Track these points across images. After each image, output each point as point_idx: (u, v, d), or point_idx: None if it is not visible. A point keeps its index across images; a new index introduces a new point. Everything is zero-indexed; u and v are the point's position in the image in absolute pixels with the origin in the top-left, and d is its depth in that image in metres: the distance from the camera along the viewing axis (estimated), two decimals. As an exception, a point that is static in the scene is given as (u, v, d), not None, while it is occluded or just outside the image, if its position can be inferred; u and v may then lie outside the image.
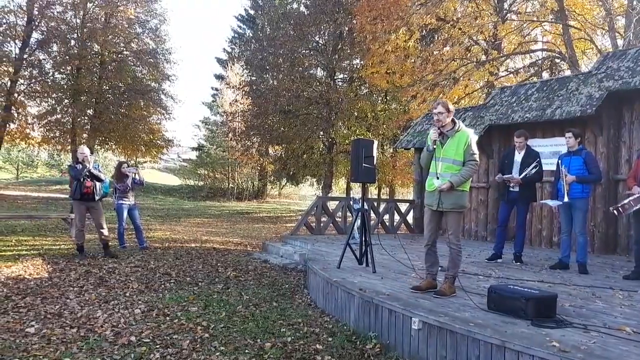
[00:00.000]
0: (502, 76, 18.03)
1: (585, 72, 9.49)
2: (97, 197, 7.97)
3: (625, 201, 5.85)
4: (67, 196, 27.02)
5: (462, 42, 17.01)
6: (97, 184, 7.93)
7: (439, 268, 6.12)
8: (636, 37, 12.74)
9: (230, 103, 29.41)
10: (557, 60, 17.40)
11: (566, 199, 6.36)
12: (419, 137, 11.36)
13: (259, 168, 35.81)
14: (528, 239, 9.20)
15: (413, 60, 17.67)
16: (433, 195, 4.80)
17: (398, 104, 22.82)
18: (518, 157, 7.07)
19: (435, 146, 4.78)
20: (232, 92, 33.09)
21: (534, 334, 3.52)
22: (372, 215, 10.45)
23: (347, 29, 21.94)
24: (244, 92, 25.84)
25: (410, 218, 11.70)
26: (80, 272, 6.85)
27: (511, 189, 7.06)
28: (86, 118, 24.35)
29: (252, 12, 37.79)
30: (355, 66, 23.25)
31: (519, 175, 6.94)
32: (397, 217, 11.60)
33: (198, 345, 4.15)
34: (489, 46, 16.79)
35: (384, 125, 21.58)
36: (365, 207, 6.47)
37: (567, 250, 6.66)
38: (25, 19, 22.97)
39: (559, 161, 6.61)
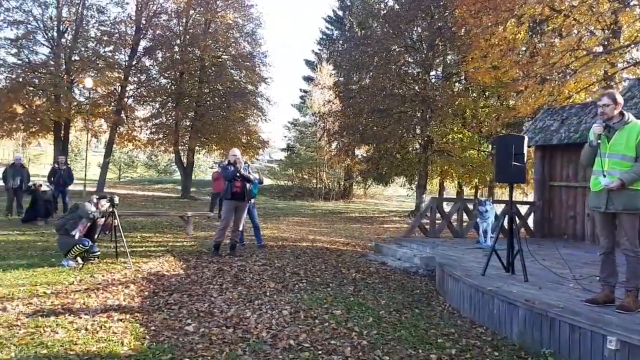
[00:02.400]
0: (623, 68, 16.44)
1: None
2: (246, 197, 8.16)
3: None
4: (172, 195, 28.65)
5: (579, 32, 15.70)
6: (247, 184, 8.11)
7: (597, 279, 5.58)
8: None
9: (323, 104, 29.54)
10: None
11: None
12: (542, 133, 10.57)
13: (346, 168, 35.74)
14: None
15: (520, 54, 16.63)
16: (600, 196, 4.29)
17: (498, 100, 21.69)
18: None
19: (599, 141, 4.28)
20: (320, 93, 33.36)
21: None
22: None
23: (445, 24, 21.18)
24: (336, 93, 25.82)
25: (530, 221, 10.92)
26: (213, 269, 6.96)
27: None
28: (188, 120, 25.50)
29: (340, 12, 37.82)
30: (452, 62, 22.40)
31: None
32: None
33: (360, 354, 3.95)
34: (608, 36, 15.37)
35: (485, 122, 20.56)
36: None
37: None
38: (134, 28, 24.48)
39: None
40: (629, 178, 4.10)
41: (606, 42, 15.33)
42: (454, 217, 10.30)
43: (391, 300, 5.81)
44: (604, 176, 4.22)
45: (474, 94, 22.37)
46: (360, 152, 32.92)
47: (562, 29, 16.28)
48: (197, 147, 26.52)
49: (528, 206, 10.98)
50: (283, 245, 9.87)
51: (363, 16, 28.77)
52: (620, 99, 4.27)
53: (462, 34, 19.05)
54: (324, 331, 4.45)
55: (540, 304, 4.31)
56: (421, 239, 9.62)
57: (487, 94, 21.14)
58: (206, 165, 43.51)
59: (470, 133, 21.39)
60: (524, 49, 17.55)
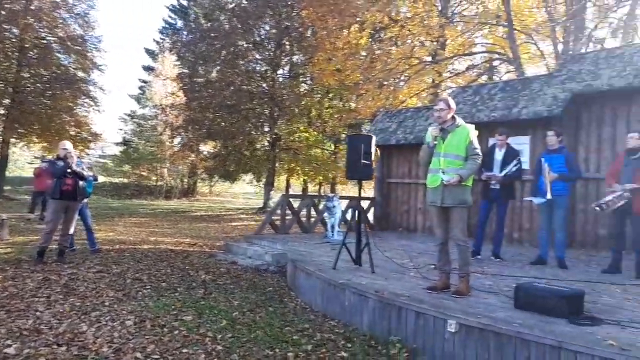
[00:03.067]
0: (447, 77, 18.51)
1: (547, 74, 9.87)
2: (78, 197, 7.21)
3: (609, 198, 6.06)
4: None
5: (412, 42, 17.23)
6: (80, 182, 7.17)
7: (432, 267, 6.10)
8: (576, 42, 13.55)
9: (165, 96, 28.01)
10: (496, 63, 18.17)
11: (549, 196, 6.49)
12: (382, 134, 11.32)
13: (190, 164, 34.46)
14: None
15: (361, 59, 17.68)
16: (437, 192, 4.66)
17: (341, 101, 22.78)
18: (499, 155, 7.15)
19: (436, 142, 4.67)
20: (163, 84, 31.65)
21: (582, 333, 3.46)
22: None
23: (292, 24, 21.59)
24: (180, 85, 24.72)
25: (370, 215, 11.64)
26: (38, 279, 6.04)
27: (492, 187, 7.14)
28: (2, 108, 22.13)
29: (184, 2, 36.34)
30: (299, 62, 22.96)
31: (500, 173, 7.02)
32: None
33: (216, 360, 3.72)
34: (436, 47, 17.15)
35: (329, 122, 21.48)
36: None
37: (547, 246, 6.82)
38: None
39: (542, 159, 6.74)
40: (465, 174, 4.50)
41: (435, 53, 17.05)
42: (303, 213, 10.48)
43: (244, 301, 5.63)
44: (443, 173, 4.57)
45: (319, 95, 23.21)
46: (206, 148, 32.01)
47: (398, 38, 17.72)
48: (13, 139, 23.15)
49: (369, 202, 11.67)
50: (121, 249, 9.05)
51: (209, 8, 27.97)
52: (453, 105, 4.68)
53: (309, 35, 19.57)
54: (175, 339, 4.11)
55: (389, 294, 4.52)
56: (272, 236, 9.59)
57: (330, 95, 22.09)
58: (24, 160, 38.27)
59: (315, 132, 22.14)
60: (364, 54, 18.66)
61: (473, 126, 4.70)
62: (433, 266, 6.16)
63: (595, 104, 8.60)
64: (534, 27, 15.81)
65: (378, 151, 6.07)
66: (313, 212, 10.56)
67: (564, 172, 6.54)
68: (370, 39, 18.70)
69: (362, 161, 5.74)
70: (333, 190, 25.20)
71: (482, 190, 7.33)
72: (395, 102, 17.32)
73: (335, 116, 21.18)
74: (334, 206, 8.41)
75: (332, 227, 8.50)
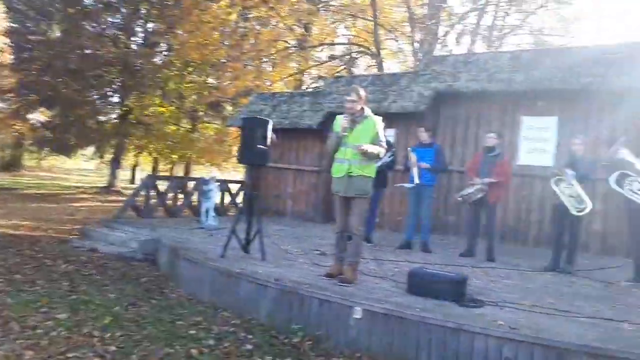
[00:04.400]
0: (313, 65, 18.87)
1: (413, 72, 10.63)
2: None
3: (470, 190, 6.79)
4: None
5: (280, 25, 17.17)
6: None
7: (317, 252, 6.23)
8: (431, 44, 14.84)
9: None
10: (357, 56, 19.06)
11: (417, 181, 6.98)
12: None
13: (16, 134, 30.09)
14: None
15: (230, 36, 17.13)
16: (342, 181, 4.74)
17: (201, 77, 21.83)
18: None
19: (345, 133, 4.74)
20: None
21: (473, 315, 3.83)
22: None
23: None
24: (10, 42, 21.33)
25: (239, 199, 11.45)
26: None
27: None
28: None
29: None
30: (157, 30, 21.32)
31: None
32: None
33: (113, 363, 3.33)
34: (304, 34, 17.37)
35: (189, 98, 20.49)
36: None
37: (413, 231, 7.40)
38: None
39: (412, 151, 7.24)
40: (371, 148, 4.55)
41: (302, 39, 17.24)
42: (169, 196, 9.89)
43: (121, 294, 5.13)
44: (348, 165, 4.62)
45: (177, 69, 21.89)
46: (35, 116, 28.21)
47: (268, 20, 17.52)
48: None
49: (239, 185, 11.46)
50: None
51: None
52: (363, 95, 4.76)
53: (172, 3, 18.30)
54: (55, 343, 3.57)
55: (291, 282, 4.50)
56: (135, 220, 8.87)
57: (190, 69, 20.97)
58: None
59: (172, 107, 20.93)
60: (230, 31, 18.07)
61: (380, 118, 4.84)
62: (318, 252, 6.30)
63: (453, 103, 9.52)
64: (396, 24, 16.87)
65: (274, 136, 5.93)
66: (181, 195, 10.03)
67: (434, 164, 7.14)
68: (241, 16, 18.18)
69: (259, 146, 5.57)
70: (188, 170, 24.23)
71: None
72: (262, 85, 17.17)
73: (197, 92, 20.24)
74: (210, 190, 8.06)
75: (207, 211, 8.15)
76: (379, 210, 8.38)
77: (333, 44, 19.21)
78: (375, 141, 4.65)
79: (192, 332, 4.13)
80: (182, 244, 6.43)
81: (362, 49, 17.52)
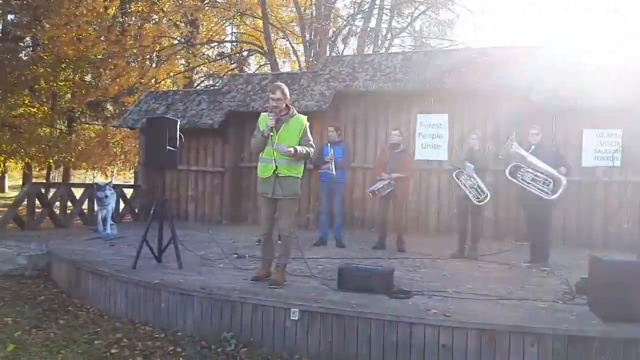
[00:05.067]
0: (202, 63, 18.23)
1: (313, 71, 10.70)
2: None
3: (380, 185, 7.03)
4: None
5: (163, 21, 16.36)
6: None
7: (236, 256, 6.04)
8: (322, 44, 15.12)
9: None
10: (248, 55, 18.82)
11: (334, 172, 7.00)
12: (148, 115, 10.45)
13: None
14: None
15: (109, 31, 15.92)
16: (269, 182, 4.59)
17: (75, 74, 20.03)
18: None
19: (271, 132, 4.61)
20: None
21: (406, 305, 3.95)
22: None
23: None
24: None
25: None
26: None
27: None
28: None
29: None
30: (21, 23, 19.10)
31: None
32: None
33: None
34: (191, 30, 16.73)
35: (64, 98, 18.68)
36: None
37: (326, 227, 7.48)
38: None
39: (329, 148, 7.25)
40: (300, 149, 4.47)
41: (189, 36, 16.59)
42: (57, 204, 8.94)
43: (20, 316, 4.56)
44: (276, 165, 4.49)
45: (47, 65, 19.83)
46: None
47: (150, 14, 16.59)
48: None
49: (134, 189, 10.73)
50: None
51: None
52: (288, 93, 4.65)
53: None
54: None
55: (219, 290, 4.29)
56: (18, 233, 7.91)
57: (64, 66, 19.08)
58: None
59: (44, 108, 18.93)
60: (108, 25, 16.83)
61: (306, 117, 4.78)
62: (236, 255, 6.10)
63: (352, 102, 9.78)
64: (285, 24, 16.94)
65: (182, 137, 5.60)
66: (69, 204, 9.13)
67: (342, 162, 7.28)
68: (121, 10, 16.97)
69: (168, 147, 5.23)
70: (67, 174, 22.15)
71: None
72: (149, 83, 16.24)
73: (74, 91, 18.48)
74: (106, 196, 7.40)
75: (105, 220, 7.49)
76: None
77: (222, 42, 18.78)
78: (302, 141, 4.58)
79: (114, 350, 3.79)
80: (83, 256, 5.85)
81: (253, 47, 17.32)
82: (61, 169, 22.99)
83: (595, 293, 3.90)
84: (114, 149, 19.66)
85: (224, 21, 18.06)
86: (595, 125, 8.19)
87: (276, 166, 4.49)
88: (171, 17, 16.55)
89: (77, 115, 20.98)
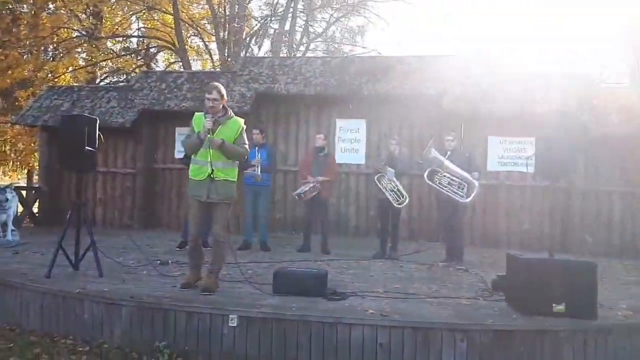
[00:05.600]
0: (109, 58, 17.14)
1: (232, 71, 10.50)
2: None
3: (306, 188, 7.09)
4: None
5: (63, 11, 15.18)
6: None
7: (158, 262, 5.78)
8: (235, 44, 14.91)
9: None
10: (155, 51, 18.03)
11: (259, 173, 6.94)
12: (50, 113, 9.68)
13: None
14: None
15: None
16: (202, 186, 4.42)
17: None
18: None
19: (208, 134, 4.45)
20: None
21: (344, 307, 4.04)
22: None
23: None
24: None
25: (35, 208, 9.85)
26: None
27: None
28: None
29: None
30: None
31: None
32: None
33: None
34: (95, 22, 15.68)
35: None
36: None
37: (252, 231, 7.40)
38: None
39: (256, 151, 7.15)
40: (229, 145, 4.33)
41: (93, 28, 15.54)
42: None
43: None
44: (212, 168, 4.35)
45: None
46: None
47: (47, 3, 15.33)
48: None
49: (33, 192, 9.84)
50: None
51: None
52: (225, 94, 4.52)
53: None
54: None
55: (148, 298, 4.09)
56: None
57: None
58: None
59: None
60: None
61: (243, 120, 4.68)
62: (159, 262, 5.83)
63: (272, 104, 9.76)
64: (197, 21, 16.46)
65: (102, 137, 5.25)
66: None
67: (267, 165, 7.24)
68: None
69: (87, 148, 4.87)
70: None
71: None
72: (46, 77, 14.98)
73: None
74: (6, 199, 6.71)
75: (4, 225, 6.79)
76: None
77: (130, 37, 17.82)
78: (238, 143, 4.49)
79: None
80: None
81: (162, 43, 16.61)
82: None
83: (512, 289, 4.25)
84: (3, 148, 17.90)
85: (131, 15, 17.13)
86: (501, 133, 8.86)
87: (212, 169, 4.36)
88: (72, 8, 15.37)
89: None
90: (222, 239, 4.55)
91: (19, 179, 21.93)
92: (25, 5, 15.89)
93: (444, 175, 6.43)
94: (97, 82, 16.72)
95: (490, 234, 8.85)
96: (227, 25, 15.61)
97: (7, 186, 7.07)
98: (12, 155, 18.06)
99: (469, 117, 8.71)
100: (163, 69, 17.75)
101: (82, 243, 5.06)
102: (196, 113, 4.62)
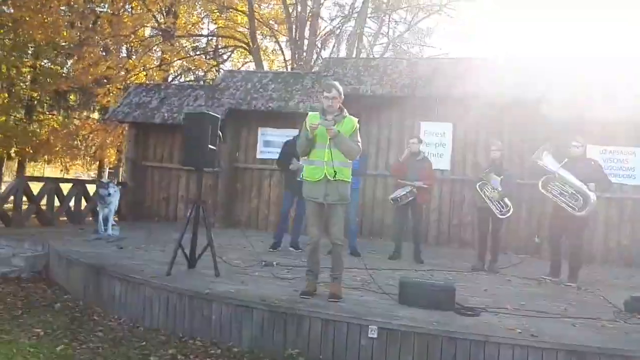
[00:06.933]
0: (183, 58, 17.45)
1: (315, 72, 10.47)
2: None
3: (403, 193, 6.88)
4: None
5: (143, 10, 15.59)
6: None
7: (264, 264, 5.72)
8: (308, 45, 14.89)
9: None
10: (227, 51, 18.27)
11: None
12: (140, 110, 9.91)
13: None
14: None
15: (83, 16, 15.02)
16: (319, 187, 4.29)
17: (38, 60, 18.81)
18: None
19: (314, 133, 4.30)
20: None
21: (482, 324, 3.80)
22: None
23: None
24: None
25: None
26: None
27: (299, 179, 7.09)
28: None
29: None
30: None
31: None
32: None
33: None
34: (170, 21, 16.04)
35: (25, 86, 17.44)
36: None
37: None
38: None
39: None
40: (345, 139, 4.22)
41: (171, 27, 15.90)
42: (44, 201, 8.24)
43: (49, 328, 4.06)
44: (334, 170, 4.22)
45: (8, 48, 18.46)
46: None
47: (127, 3, 15.80)
48: None
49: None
50: None
51: None
52: (342, 92, 4.41)
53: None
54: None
55: (281, 302, 4.00)
56: (4, 230, 7.21)
57: (30, 52, 17.85)
58: None
59: (4, 94, 17.60)
60: (81, 10, 15.89)
61: (357, 119, 4.56)
62: (264, 263, 5.78)
63: (355, 106, 9.55)
64: (267, 21, 16.56)
65: (222, 135, 5.25)
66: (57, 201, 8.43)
67: (357, 168, 7.05)
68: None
69: (210, 146, 4.86)
70: (22, 167, 20.66)
71: (286, 182, 7.25)
72: (127, 75, 15.43)
73: (35, 78, 17.28)
74: (109, 194, 6.84)
75: (106, 220, 6.92)
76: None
77: (205, 36, 18.14)
78: (352, 141, 4.33)
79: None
80: (97, 260, 5.34)
81: (237, 43, 16.79)
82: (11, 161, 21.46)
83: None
84: (77, 142, 18.56)
85: (205, 14, 17.43)
86: (603, 142, 8.36)
87: (334, 171, 4.21)
88: (150, 8, 15.77)
89: (35, 103, 19.71)
90: (341, 242, 4.43)
91: (89, 174, 22.74)
92: (106, 5, 16.45)
93: (556, 184, 6.08)
94: (169, 81, 17.10)
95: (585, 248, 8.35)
96: (298, 25, 15.56)
97: (110, 181, 7.22)
98: (86, 150, 18.68)
99: (569, 124, 8.25)
100: (236, 68, 17.90)
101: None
102: (310, 112, 4.53)
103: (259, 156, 9.90)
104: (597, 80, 8.61)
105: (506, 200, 6.49)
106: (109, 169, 20.51)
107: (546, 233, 6.88)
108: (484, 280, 5.86)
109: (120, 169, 18.46)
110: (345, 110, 4.48)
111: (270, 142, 9.85)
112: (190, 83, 14.05)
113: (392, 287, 4.62)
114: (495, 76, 9.05)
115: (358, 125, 4.51)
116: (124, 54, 17.78)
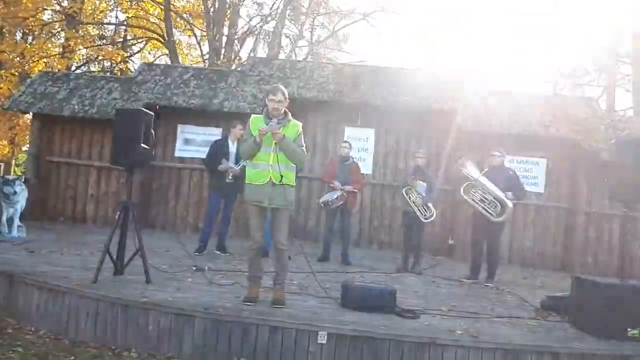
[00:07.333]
0: (90, 46, 16.20)
1: (239, 70, 10.21)
2: None
3: (334, 197, 6.94)
4: None
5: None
6: None
7: (195, 268, 5.49)
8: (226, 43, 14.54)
9: None
10: (137, 42, 17.31)
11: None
12: (46, 100, 9.05)
13: None
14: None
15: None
16: (263, 190, 4.20)
17: None
18: (233, 147, 6.97)
19: (261, 138, 4.21)
20: None
21: (424, 326, 3.93)
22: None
23: None
24: None
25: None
26: None
27: (227, 180, 6.88)
28: None
29: None
30: None
31: (237, 165, 6.86)
32: None
33: None
34: (76, 6, 14.83)
35: None
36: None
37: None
38: None
39: None
40: (289, 142, 4.16)
41: (75, 13, 14.70)
42: None
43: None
44: (280, 174, 4.14)
45: None
46: None
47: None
48: None
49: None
50: None
51: None
52: (288, 96, 4.34)
53: None
54: None
55: (224, 310, 3.84)
56: None
57: None
58: None
59: None
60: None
61: (301, 123, 4.50)
62: (195, 268, 5.52)
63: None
64: (181, 14, 15.96)
65: (154, 134, 4.92)
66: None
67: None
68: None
69: (142, 145, 4.54)
70: None
71: (215, 183, 6.98)
72: (23, 61, 14.05)
73: None
74: (14, 192, 6.14)
75: (11, 220, 6.21)
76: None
77: (116, 24, 17.01)
78: (297, 145, 4.29)
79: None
80: (8, 265, 4.78)
81: (150, 35, 15.93)
82: None
83: (581, 312, 4.29)
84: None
85: (114, 2, 16.36)
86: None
87: (280, 175, 4.14)
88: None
89: None
90: (286, 247, 4.35)
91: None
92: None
93: (477, 191, 6.46)
94: (73, 71, 15.82)
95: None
96: (217, 20, 15.16)
97: (16, 178, 6.50)
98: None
99: (482, 136, 8.85)
100: (148, 61, 16.99)
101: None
102: (253, 115, 4.44)
103: (177, 154, 9.48)
104: (508, 94, 9.34)
105: (430, 204, 6.79)
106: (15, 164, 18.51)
107: (468, 237, 7.27)
108: (411, 282, 6.07)
109: (12, 162, 16.77)
110: (289, 114, 4.40)
111: (190, 140, 9.48)
112: (103, 75, 13.07)
113: (330, 290, 4.66)
114: (415, 86, 9.49)
115: (301, 130, 4.46)
116: (19, 37, 16.20)
